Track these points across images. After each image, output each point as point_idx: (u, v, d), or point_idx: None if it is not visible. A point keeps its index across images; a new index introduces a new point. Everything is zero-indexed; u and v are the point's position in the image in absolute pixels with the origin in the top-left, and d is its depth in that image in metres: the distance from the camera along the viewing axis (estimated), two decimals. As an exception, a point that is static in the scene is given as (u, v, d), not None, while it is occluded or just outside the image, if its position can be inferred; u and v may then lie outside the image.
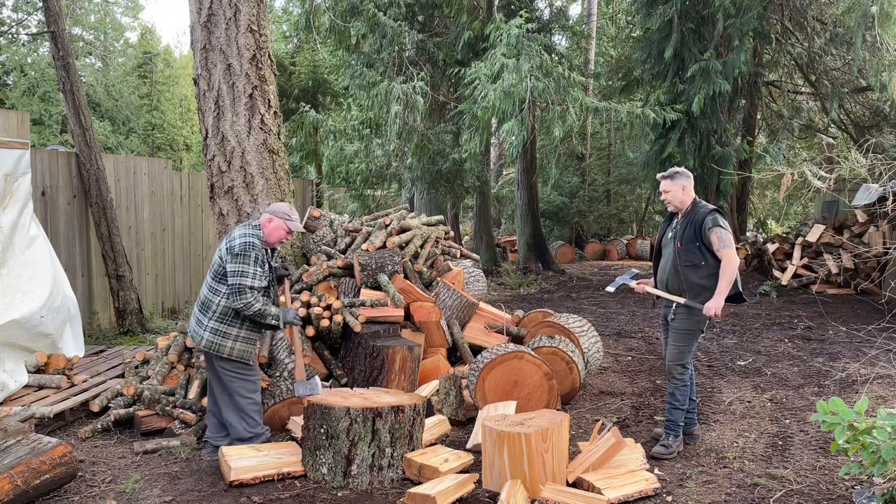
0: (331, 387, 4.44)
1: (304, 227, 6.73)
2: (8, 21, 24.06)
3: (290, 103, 15.02)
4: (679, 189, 4.24)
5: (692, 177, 4.35)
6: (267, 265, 4.10)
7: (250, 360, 4.15)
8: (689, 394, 4.29)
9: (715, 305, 4.01)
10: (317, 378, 4.18)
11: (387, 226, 6.44)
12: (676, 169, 4.32)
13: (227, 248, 3.99)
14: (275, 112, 6.07)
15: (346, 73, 11.95)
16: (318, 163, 14.01)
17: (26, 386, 5.21)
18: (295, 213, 4.25)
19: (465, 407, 4.86)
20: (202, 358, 4.87)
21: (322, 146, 11.52)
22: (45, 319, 5.66)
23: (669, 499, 3.59)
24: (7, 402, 4.86)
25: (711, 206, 4.23)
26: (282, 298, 4.51)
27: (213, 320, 4.01)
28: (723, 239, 4.04)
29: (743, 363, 6.53)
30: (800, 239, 11.51)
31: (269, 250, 4.16)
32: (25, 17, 24.06)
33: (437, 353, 5.50)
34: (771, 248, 11.85)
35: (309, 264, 6.09)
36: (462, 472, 3.79)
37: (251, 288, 3.93)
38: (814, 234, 11.27)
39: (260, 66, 5.88)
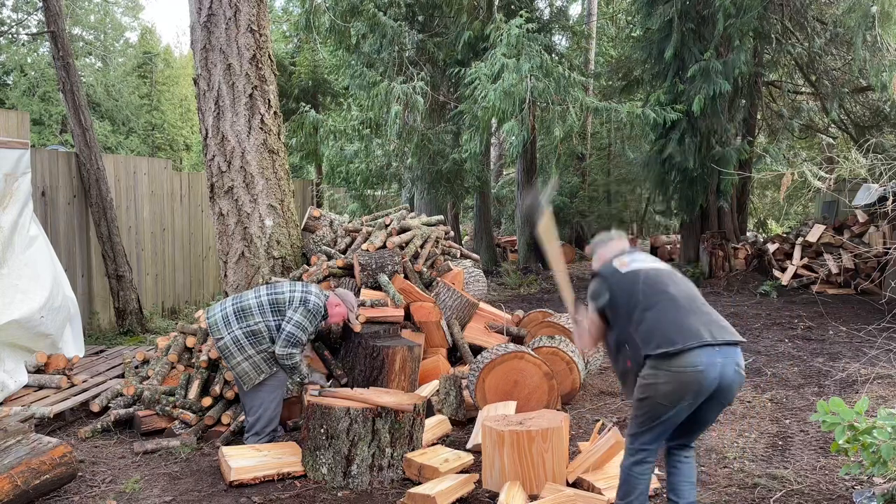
0: (330, 387, 4.45)
1: (304, 227, 6.74)
2: (8, 21, 24.06)
3: (290, 103, 15.01)
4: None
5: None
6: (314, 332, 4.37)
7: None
8: (643, 489, 2.91)
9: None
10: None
11: (387, 226, 6.43)
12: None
13: (300, 300, 4.16)
14: (275, 112, 6.06)
15: (346, 73, 11.96)
16: (318, 163, 14.03)
17: (26, 386, 5.22)
18: (358, 308, 4.59)
19: (465, 407, 4.86)
20: (204, 353, 4.87)
21: (322, 146, 11.51)
22: (45, 319, 5.66)
23: (669, 499, 3.59)
24: (7, 402, 4.86)
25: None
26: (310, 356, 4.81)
27: (258, 355, 4.17)
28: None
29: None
30: (800, 239, 11.51)
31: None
32: (25, 17, 24.05)
33: (437, 353, 5.49)
34: (771, 248, 11.85)
35: (309, 264, 6.08)
36: (462, 472, 3.79)
37: (301, 343, 4.16)
38: (814, 234, 11.27)
39: (260, 66, 5.88)
